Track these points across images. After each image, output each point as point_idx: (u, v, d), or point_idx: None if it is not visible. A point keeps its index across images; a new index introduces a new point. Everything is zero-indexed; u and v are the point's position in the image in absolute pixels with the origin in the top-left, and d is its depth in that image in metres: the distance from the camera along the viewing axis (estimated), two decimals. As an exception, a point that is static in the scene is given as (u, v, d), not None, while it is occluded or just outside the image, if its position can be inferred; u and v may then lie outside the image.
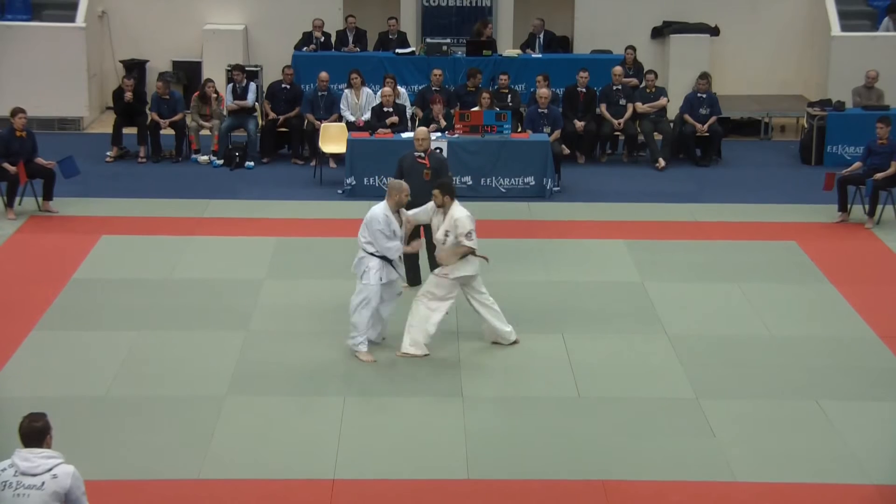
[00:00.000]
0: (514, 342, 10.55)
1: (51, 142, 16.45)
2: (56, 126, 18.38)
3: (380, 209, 10.12)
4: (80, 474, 6.28)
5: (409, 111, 16.73)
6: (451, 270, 10.22)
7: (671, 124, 17.44)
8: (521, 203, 15.07)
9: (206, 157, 16.83)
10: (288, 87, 17.02)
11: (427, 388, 9.81)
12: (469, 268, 10.24)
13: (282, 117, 16.92)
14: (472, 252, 10.19)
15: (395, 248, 10.11)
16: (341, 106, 16.94)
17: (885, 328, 11.06)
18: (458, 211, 10.22)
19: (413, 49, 18.56)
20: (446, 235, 10.18)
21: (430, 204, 10.43)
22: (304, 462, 8.55)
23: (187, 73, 19.24)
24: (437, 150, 11.68)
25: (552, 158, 15.41)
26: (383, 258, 10.11)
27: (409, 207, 10.46)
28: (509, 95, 17.04)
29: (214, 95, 17.05)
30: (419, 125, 16.27)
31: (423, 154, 11.75)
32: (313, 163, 16.49)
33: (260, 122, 17.30)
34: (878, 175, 14.13)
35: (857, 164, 14.60)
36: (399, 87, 16.96)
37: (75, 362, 10.18)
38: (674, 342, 10.72)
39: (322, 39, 18.50)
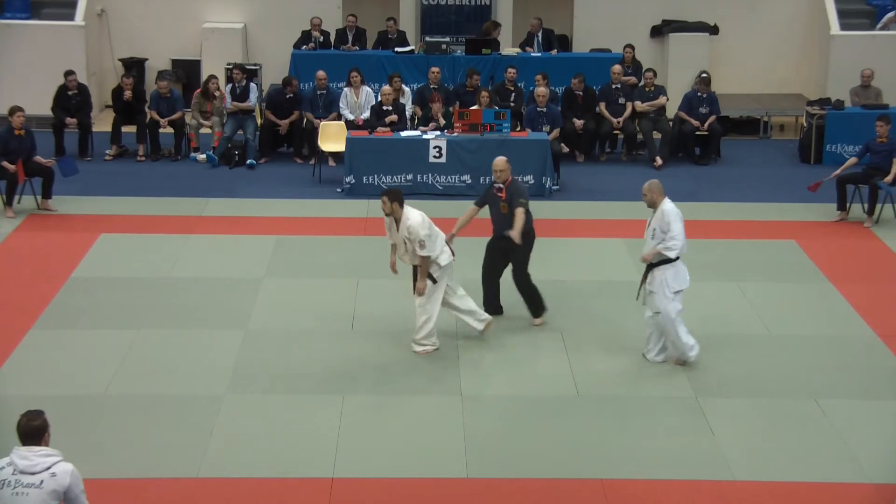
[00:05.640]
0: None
1: (49, 140, 16.45)
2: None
3: None
4: (79, 472, 6.28)
5: (408, 110, 16.70)
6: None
7: (670, 123, 17.43)
8: (520, 202, 15.05)
9: (204, 156, 16.81)
10: (292, 95, 16.93)
11: (427, 387, 9.80)
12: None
13: (284, 123, 16.85)
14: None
15: None
16: (340, 104, 16.91)
17: (885, 327, 11.05)
18: None
19: (412, 48, 18.54)
20: None
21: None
22: (303, 461, 8.54)
23: (186, 72, 19.23)
24: (517, 179, 11.41)
25: (551, 157, 15.40)
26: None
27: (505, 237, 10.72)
28: (513, 93, 17.02)
29: (217, 93, 17.02)
30: (418, 124, 16.29)
31: (501, 186, 10.96)
32: (312, 161, 16.48)
33: (259, 120, 17.25)
34: (888, 178, 14.01)
35: (853, 160, 14.54)
36: (403, 86, 16.92)
37: (74, 361, 10.17)
38: (673, 341, 10.70)
39: (321, 38, 18.48)
